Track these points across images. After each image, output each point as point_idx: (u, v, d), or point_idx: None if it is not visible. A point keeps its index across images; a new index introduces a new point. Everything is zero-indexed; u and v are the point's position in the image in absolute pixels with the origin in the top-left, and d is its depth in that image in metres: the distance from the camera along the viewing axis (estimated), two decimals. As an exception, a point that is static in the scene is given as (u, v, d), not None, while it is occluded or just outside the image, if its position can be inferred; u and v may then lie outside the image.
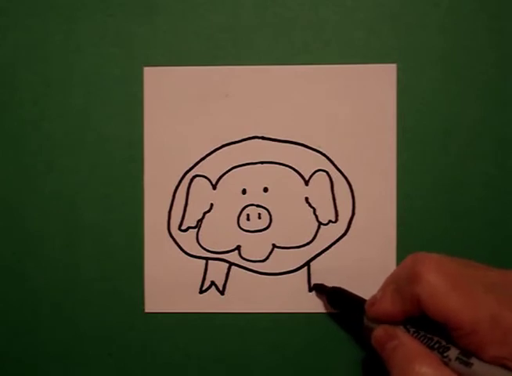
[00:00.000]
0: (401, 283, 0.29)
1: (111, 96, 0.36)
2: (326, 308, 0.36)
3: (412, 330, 0.29)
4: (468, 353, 0.27)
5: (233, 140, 0.36)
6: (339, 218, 0.36)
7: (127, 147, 0.36)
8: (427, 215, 0.35)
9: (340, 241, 0.36)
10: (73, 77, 0.36)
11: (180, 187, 0.36)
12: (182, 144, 0.36)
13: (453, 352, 0.27)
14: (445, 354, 0.28)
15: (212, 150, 0.36)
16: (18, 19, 0.36)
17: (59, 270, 0.36)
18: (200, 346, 0.36)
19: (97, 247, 0.36)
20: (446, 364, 0.27)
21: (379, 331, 0.30)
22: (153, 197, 0.36)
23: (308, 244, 0.36)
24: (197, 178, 0.36)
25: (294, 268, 0.36)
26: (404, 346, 0.29)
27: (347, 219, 0.36)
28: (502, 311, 0.26)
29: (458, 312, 0.26)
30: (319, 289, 0.35)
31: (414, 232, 0.35)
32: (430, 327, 0.28)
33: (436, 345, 0.28)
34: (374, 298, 0.31)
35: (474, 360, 0.26)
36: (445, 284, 0.27)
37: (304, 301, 0.36)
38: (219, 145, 0.36)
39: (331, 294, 0.35)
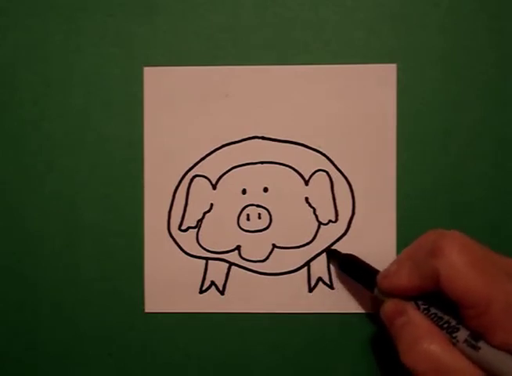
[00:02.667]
0: (420, 257, 0.29)
1: (111, 96, 0.36)
2: (326, 308, 0.36)
3: (422, 307, 0.29)
4: (477, 336, 0.27)
5: (233, 140, 0.36)
6: (339, 218, 0.36)
7: (127, 147, 0.36)
8: (427, 215, 0.35)
9: (340, 241, 0.36)
10: (73, 77, 0.36)
11: (180, 187, 0.36)
12: (182, 144, 0.36)
13: (462, 334, 0.27)
14: (454, 335, 0.27)
15: (212, 150, 0.36)
16: (18, 19, 0.36)
17: (59, 270, 0.36)
18: (200, 346, 0.36)
19: (97, 247, 0.36)
20: (454, 345, 0.27)
21: (389, 305, 0.30)
22: (153, 197, 0.36)
23: (308, 244, 0.36)
24: (197, 178, 0.36)
25: (294, 268, 0.36)
26: (413, 323, 0.28)
27: (347, 219, 0.36)
28: None
29: (475, 289, 0.26)
30: (332, 254, 0.35)
31: (414, 232, 0.35)
32: (441, 305, 0.28)
33: (445, 325, 0.28)
34: (388, 270, 0.31)
35: (482, 344, 0.26)
36: (466, 261, 0.27)
37: (304, 301, 0.36)
38: (219, 145, 0.36)
39: (344, 260, 0.34)
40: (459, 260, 0.27)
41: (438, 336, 0.28)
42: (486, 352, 0.26)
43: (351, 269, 0.34)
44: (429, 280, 0.28)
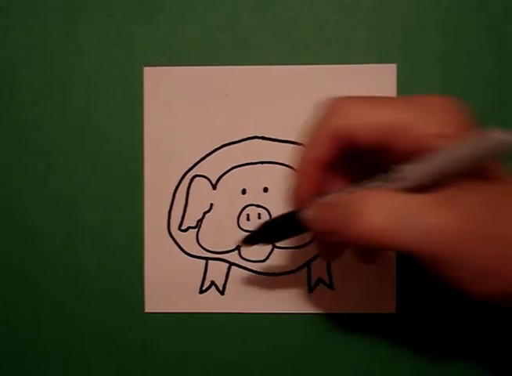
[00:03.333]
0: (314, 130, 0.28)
1: (111, 96, 0.36)
2: (326, 308, 0.36)
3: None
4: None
5: (233, 140, 0.36)
6: (339, 218, 0.36)
7: (127, 147, 0.36)
8: (427, 215, 0.35)
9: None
10: (73, 77, 0.36)
11: (180, 187, 0.36)
12: (182, 144, 0.36)
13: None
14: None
15: (212, 150, 0.36)
16: (18, 19, 0.36)
17: (59, 270, 0.36)
18: (200, 346, 0.36)
19: (97, 247, 0.36)
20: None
21: (311, 209, 0.28)
22: (153, 197, 0.36)
23: (308, 244, 0.36)
24: (197, 178, 0.36)
25: (294, 268, 0.36)
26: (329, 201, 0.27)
27: (347, 219, 0.36)
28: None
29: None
30: (249, 241, 0.32)
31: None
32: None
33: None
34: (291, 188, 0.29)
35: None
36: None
37: (304, 301, 0.36)
38: (219, 145, 0.36)
39: (262, 233, 0.31)
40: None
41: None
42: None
43: (272, 234, 0.31)
44: (329, 140, 0.27)
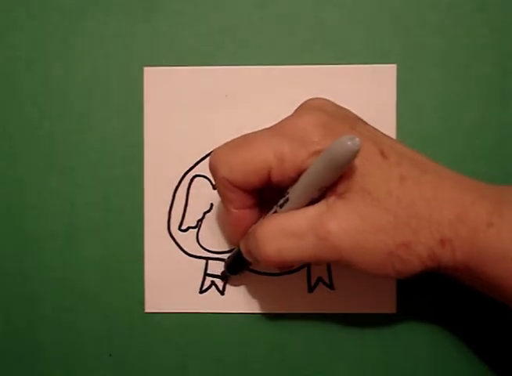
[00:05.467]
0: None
1: (111, 96, 0.36)
2: (326, 308, 0.36)
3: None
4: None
5: (233, 140, 0.36)
6: (339, 218, 0.36)
7: (127, 147, 0.36)
8: (427, 215, 0.35)
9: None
10: (73, 77, 0.36)
11: (180, 187, 0.36)
12: (182, 144, 0.36)
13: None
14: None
15: (212, 149, 0.36)
16: (18, 19, 0.36)
17: (59, 270, 0.36)
18: (200, 346, 0.36)
19: (97, 247, 0.36)
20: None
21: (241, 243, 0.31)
22: (153, 197, 0.36)
23: (308, 244, 0.36)
24: (197, 178, 0.36)
25: (294, 268, 0.36)
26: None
27: (347, 219, 0.36)
28: None
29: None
30: (222, 277, 0.36)
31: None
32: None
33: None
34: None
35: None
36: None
37: (304, 301, 0.36)
38: (219, 145, 0.36)
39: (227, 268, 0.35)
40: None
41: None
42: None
43: (236, 266, 0.35)
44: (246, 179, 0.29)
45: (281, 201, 0.28)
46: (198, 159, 0.36)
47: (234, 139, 0.30)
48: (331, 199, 0.27)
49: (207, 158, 0.36)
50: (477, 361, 0.35)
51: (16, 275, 0.36)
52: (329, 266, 0.36)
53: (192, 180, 0.36)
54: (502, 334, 0.35)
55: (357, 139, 0.24)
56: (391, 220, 0.26)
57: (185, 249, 0.36)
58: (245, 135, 0.30)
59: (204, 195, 0.36)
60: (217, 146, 0.36)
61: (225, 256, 0.36)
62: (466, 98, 0.35)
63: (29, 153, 0.36)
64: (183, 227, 0.36)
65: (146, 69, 0.36)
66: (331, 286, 0.36)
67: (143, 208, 0.36)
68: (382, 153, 0.27)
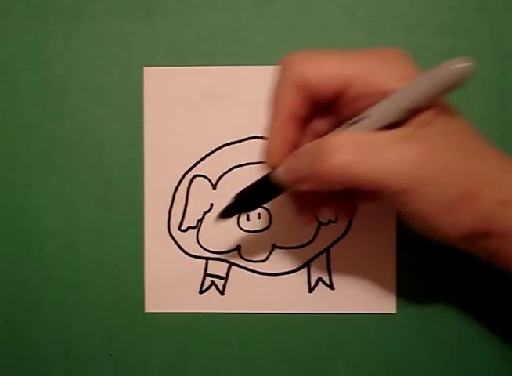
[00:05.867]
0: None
1: (111, 96, 0.36)
2: (326, 308, 0.36)
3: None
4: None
5: (233, 140, 0.36)
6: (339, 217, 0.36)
7: (127, 147, 0.36)
8: (427, 215, 0.35)
9: (340, 241, 0.36)
10: (73, 77, 0.36)
11: (180, 187, 0.36)
12: (182, 144, 0.36)
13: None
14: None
15: (212, 149, 0.36)
16: (18, 19, 0.36)
17: (59, 270, 0.36)
18: (200, 346, 0.36)
19: (97, 247, 0.36)
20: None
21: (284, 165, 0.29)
22: (153, 197, 0.36)
23: (308, 244, 0.36)
24: (197, 178, 0.36)
25: (294, 268, 0.36)
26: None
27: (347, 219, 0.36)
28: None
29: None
30: (226, 214, 0.33)
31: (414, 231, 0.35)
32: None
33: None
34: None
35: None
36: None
37: (304, 301, 0.36)
38: (219, 145, 0.36)
39: (237, 203, 0.32)
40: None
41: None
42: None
43: (247, 201, 0.32)
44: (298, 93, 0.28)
45: (355, 118, 0.27)
46: (198, 159, 0.36)
47: (313, 50, 0.29)
48: (415, 125, 0.26)
49: (207, 158, 0.36)
50: (478, 361, 0.35)
51: (16, 275, 0.36)
52: (329, 266, 0.36)
53: (192, 180, 0.36)
54: (502, 334, 0.35)
55: (472, 61, 0.23)
56: (467, 165, 0.26)
57: (185, 249, 0.36)
58: (330, 50, 0.29)
59: (204, 195, 0.36)
60: (216, 146, 0.36)
61: (225, 256, 0.36)
62: (466, 98, 0.35)
63: (29, 153, 0.36)
64: (183, 227, 0.36)
65: (146, 69, 0.36)
66: (331, 286, 0.36)
67: (143, 208, 0.36)
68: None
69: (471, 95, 0.35)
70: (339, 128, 0.28)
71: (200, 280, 0.36)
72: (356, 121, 0.27)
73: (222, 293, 0.36)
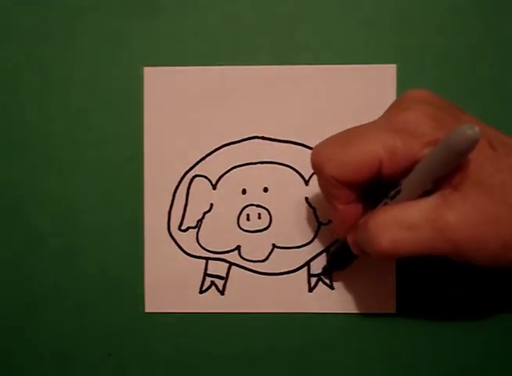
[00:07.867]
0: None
1: (111, 96, 0.36)
2: (326, 308, 0.36)
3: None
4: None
5: (233, 140, 0.36)
6: (339, 218, 0.36)
7: (127, 147, 0.36)
8: (427, 215, 0.35)
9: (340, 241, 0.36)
10: (73, 77, 0.36)
11: (180, 187, 0.36)
12: (182, 144, 0.36)
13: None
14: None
15: (212, 150, 0.36)
16: (18, 19, 0.36)
17: (59, 270, 0.36)
18: (200, 346, 0.36)
19: (97, 247, 0.36)
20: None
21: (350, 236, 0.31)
22: (153, 197, 0.36)
23: (308, 244, 0.36)
24: (197, 178, 0.36)
25: (294, 268, 0.36)
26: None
27: (347, 219, 0.36)
28: None
29: None
30: (325, 272, 0.36)
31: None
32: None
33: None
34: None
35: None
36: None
37: (304, 301, 0.36)
38: (219, 145, 0.36)
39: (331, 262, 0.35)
40: None
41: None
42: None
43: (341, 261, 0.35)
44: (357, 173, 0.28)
45: (392, 193, 0.28)
46: (198, 159, 0.36)
47: (336, 135, 0.29)
48: (447, 191, 0.26)
49: (207, 158, 0.36)
50: (478, 361, 0.35)
51: (15, 275, 0.36)
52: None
53: (192, 180, 0.36)
54: (503, 334, 0.35)
55: (477, 128, 0.23)
56: (506, 212, 0.26)
57: (185, 249, 0.36)
58: (348, 131, 0.29)
59: (204, 195, 0.36)
60: (216, 146, 0.36)
61: (225, 256, 0.36)
62: (466, 98, 0.35)
63: (29, 153, 0.36)
64: (183, 227, 0.36)
65: (146, 69, 0.36)
66: (331, 286, 0.36)
67: (143, 208, 0.36)
68: (491, 145, 0.27)
69: (471, 95, 0.35)
70: (379, 205, 0.29)
71: (200, 280, 0.36)
72: (392, 196, 0.28)
73: (222, 293, 0.36)
